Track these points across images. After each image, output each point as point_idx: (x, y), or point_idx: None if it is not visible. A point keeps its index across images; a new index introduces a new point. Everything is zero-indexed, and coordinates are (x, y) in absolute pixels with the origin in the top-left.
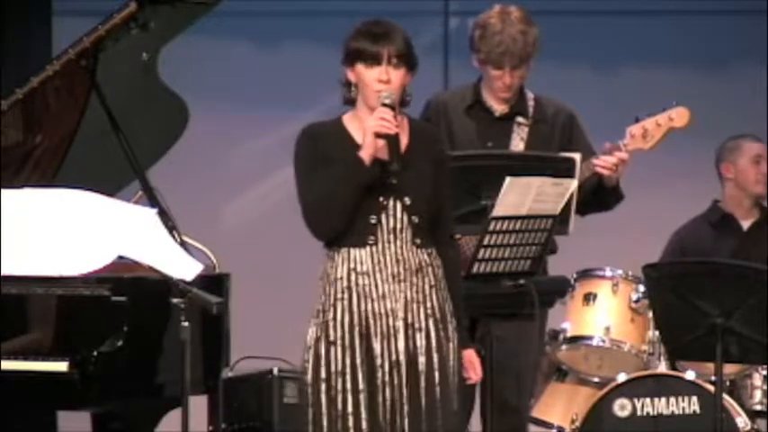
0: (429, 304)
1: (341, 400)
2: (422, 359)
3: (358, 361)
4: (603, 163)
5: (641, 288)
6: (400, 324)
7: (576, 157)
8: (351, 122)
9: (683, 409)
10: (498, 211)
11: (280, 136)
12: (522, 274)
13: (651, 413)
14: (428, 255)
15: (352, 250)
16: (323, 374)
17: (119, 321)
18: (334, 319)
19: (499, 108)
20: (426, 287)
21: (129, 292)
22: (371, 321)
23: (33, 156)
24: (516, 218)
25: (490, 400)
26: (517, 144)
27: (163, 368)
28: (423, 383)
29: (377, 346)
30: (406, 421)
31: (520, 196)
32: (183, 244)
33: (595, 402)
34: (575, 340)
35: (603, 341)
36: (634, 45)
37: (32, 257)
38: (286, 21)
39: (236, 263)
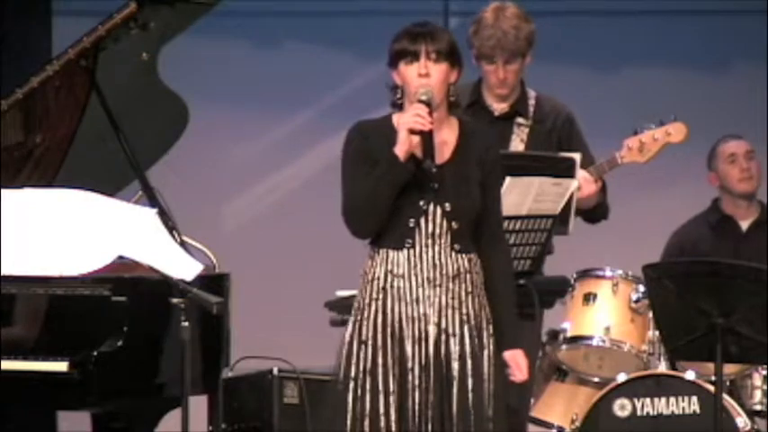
0: (464, 310)
1: (368, 399)
2: (455, 365)
3: (390, 362)
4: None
5: (641, 288)
6: (432, 329)
7: (576, 156)
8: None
9: (683, 409)
10: None
11: (280, 136)
12: (522, 274)
13: (651, 413)
14: (468, 260)
15: (390, 252)
16: (352, 373)
17: (119, 321)
18: (368, 318)
19: (499, 107)
20: (463, 293)
21: (129, 292)
22: (404, 324)
23: (33, 156)
24: (516, 218)
25: None
26: (517, 145)
27: (163, 368)
28: (455, 389)
29: (408, 350)
30: (430, 426)
31: (520, 196)
32: (182, 244)
33: (595, 402)
34: (575, 340)
35: (603, 341)
36: (634, 45)
37: (32, 257)
38: (286, 21)
39: (236, 263)
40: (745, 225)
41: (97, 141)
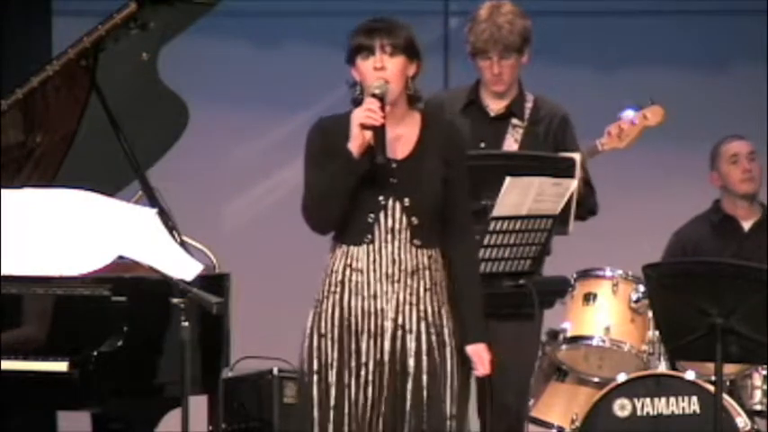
0: (422, 307)
1: (333, 392)
2: (411, 361)
3: (345, 356)
4: None
5: (641, 288)
6: (389, 324)
7: (576, 156)
8: None
9: (683, 409)
10: (498, 211)
11: (280, 136)
12: (522, 274)
13: (651, 413)
14: (428, 257)
15: (350, 247)
16: (315, 366)
17: (119, 321)
18: (325, 311)
19: (495, 108)
20: (421, 290)
21: (129, 292)
22: (359, 319)
23: (33, 156)
24: (516, 218)
25: (490, 400)
26: (510, 145)
27: (163, 368)
28: (410, 386)
29: (363, 345)
30: (380, 422)
31: (520, 196)
32: (182, 244)
33: (595, 402)
34: (575, 340)
35: (603, 341)
36: (634, 45)
37: (32, 257)
38: (286, 21)
39: (236, 263)
40: (747, 225)
41: (97, 141)
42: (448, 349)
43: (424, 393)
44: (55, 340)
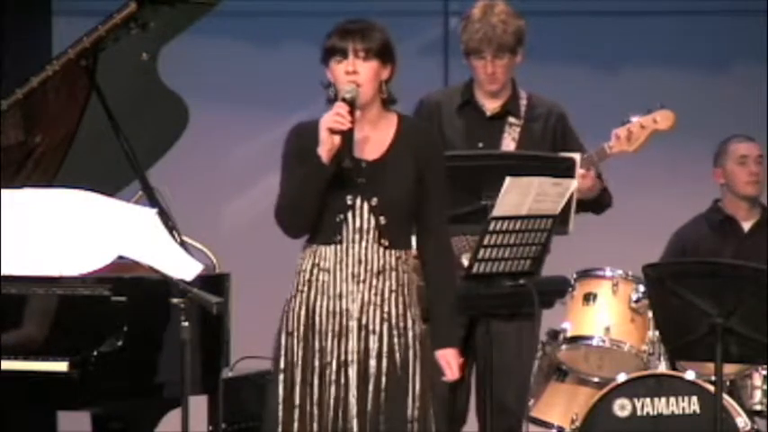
0: (386, 308)
1: (297, 391)
2: (372, 362)
3: (309, 355)
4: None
5: (641, 288)
6: (354, 324)
7: (576, 157)
8: None
9: (683, 409)
10: (498, 211)
11: (279, 136)
12: (522, 274)
13: (651, 413)
14: (396, 258)
15: (320, 247)
16: (281, 364)
17: (119, 321)
18: (293, 310)
19: (491, 107)
20: (386, 290)
21: (129, 292)
22: (324, 318)
23: (33, 156)
24: (516, 218)
25: (489, 400)
26: (508, 144)
27: (163, 368)
28: (371, 387)
29: (327, 344)
30: (355, 422)
31: (520, 196)
32: (182, 244)
33: (595, 402)
34: (575, 340)
35: (603, 341)
36: (634, 45)
37: (32, 257)
38: (286, 21)
39: (236, 263)
40: (746, 226)
41: (97, 141)
42: (411, 351)
43: (383, 395)
44: (55, 340)
